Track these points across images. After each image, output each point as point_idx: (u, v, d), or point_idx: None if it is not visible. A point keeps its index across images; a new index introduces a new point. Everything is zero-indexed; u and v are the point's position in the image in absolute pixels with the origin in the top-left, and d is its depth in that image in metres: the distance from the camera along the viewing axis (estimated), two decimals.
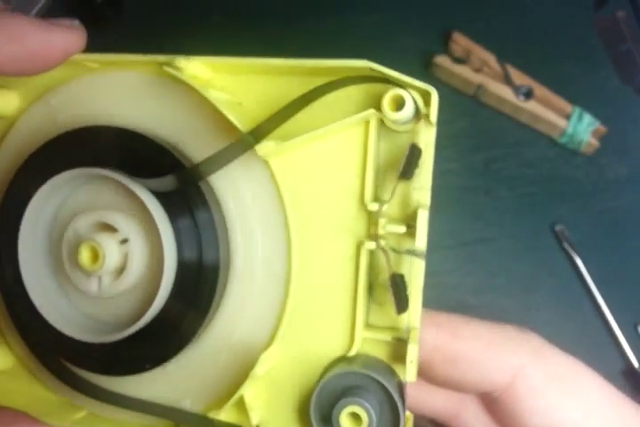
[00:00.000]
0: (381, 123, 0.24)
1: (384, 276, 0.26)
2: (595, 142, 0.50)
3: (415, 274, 0.25)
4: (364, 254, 0.25)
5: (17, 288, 0.28)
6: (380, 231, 0.24)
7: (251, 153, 0.25)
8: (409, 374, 0.24)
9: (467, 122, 0.52)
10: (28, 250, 0.28)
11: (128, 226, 0.27)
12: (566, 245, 0.48)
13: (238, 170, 0.26)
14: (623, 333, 0.47)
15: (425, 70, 0.52)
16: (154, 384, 0.28)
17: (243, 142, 0.25)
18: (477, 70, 0.51)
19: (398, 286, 0.24)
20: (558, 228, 0.49)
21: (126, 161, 0.27)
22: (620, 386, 0.46)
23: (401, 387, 0.25)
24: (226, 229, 0.27)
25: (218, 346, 0.27)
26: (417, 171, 0.24)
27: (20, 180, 0.28)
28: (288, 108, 0.25)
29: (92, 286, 0.27)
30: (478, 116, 0.52)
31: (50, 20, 0.27)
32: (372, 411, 0.24)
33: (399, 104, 0.23)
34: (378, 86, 0.24)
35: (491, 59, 0.50)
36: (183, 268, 0.26)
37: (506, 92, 0.50)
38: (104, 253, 0.26)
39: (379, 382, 0.25)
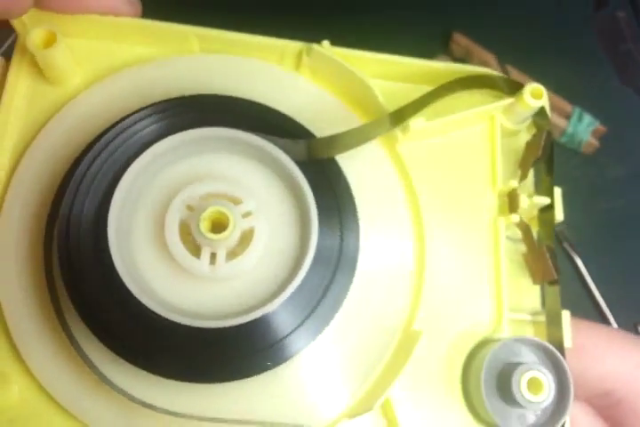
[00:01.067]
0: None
1: (514, 256, 0.27)
2: (594, 142, 0.50)
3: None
4: (503, 230, 0.26)
5: (101, 259, 0.23)
6: (522, 205, 0.26)
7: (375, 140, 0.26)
8: (566, 340, 0.25)
9: None
10: (120, 219, 0.23)
11: (253, 198, 0.24)
12: (566, 245, 0.48)
13: (359, 154, 0.26)
14: None
15: None
16: (260, 394, 0.23)
17: (383, 122, 0.25)
18: None
19: (554, 252, 0.26)
20: (558, 228, 0.49)
21: (257, 128, 0.24)
22: None
23: (563, 353, 0.25)
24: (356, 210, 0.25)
25: (342, 340, 0.24)
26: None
27: (115, 139, 0.24)
28: (424, 98, 0.26)
29: (203, 263, 0.23)
30: None
31: None
32: (550, 376, 0.24)
33: (538, 95, 0.27)
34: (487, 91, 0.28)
35: (491, 59, 0.51)
36: (322, 246, 0.23)
37: None
38: (234, 222, 0.23)
39: (547, 349, 0.25)
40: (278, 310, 0.22)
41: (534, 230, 0.27)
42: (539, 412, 0.24)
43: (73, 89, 0.27)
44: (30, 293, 0.24)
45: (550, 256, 0.25)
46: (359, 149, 0.26)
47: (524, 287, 0.27)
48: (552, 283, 0.26)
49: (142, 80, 0.26)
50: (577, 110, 0.50)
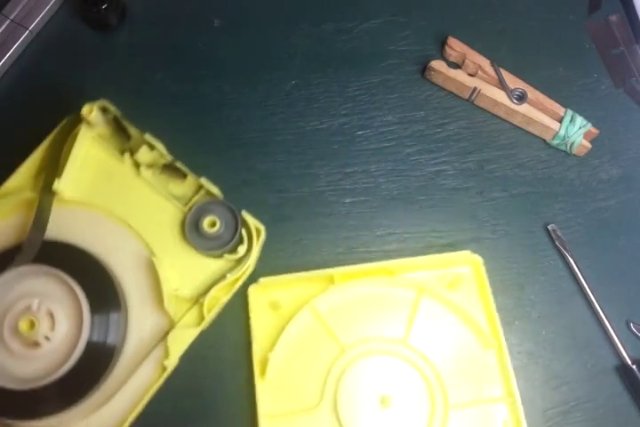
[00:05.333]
0: None
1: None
2: (586, 144, 0.51)
3: None
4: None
5: None
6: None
7: None
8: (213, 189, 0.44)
9: (462, 124, 0.52)
10: None
11: (49, 302, 0.41)
12: (558, 244, 0.49)
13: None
14: (615, 329, 0.47)
15: (421, 74, 0.53)
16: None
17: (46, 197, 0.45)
18: (472, 74, 0.51)
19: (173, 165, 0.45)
20: (551, 227, 0.49)
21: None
22: (612, 382, 0.47)
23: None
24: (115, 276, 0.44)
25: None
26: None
27: None
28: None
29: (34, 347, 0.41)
30: (473, 118, 0.52)
31: None
32: (222, 219, 0.43)
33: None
34: None
35: (485, 63, 0.51)
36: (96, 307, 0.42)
37: (500, 96, 0.51)
38: (39, 321, 0.41)
39: (223, 203, 0.43)
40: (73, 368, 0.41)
41: None
42: (221, 240, 0.43)
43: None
44: None
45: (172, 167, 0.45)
46: None
47: None
48: None
49: None
50: (569, 113, 0.50)
